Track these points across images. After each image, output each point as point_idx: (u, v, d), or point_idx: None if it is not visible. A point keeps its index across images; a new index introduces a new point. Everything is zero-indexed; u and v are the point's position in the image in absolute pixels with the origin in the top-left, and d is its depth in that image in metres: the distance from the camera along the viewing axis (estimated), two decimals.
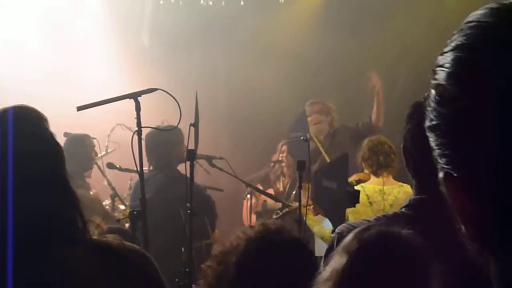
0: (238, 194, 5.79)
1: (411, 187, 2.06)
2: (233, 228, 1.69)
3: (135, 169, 3.31)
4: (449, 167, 0.66)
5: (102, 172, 5.16)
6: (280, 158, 5.85)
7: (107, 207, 5.07)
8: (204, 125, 3.99)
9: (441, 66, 0.66)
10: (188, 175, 3.53)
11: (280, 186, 5.90)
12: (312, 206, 4.28)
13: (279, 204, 4.88)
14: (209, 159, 4.53)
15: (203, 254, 4.04)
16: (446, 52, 0.67)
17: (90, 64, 6.84)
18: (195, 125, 3.71)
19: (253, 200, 5.43)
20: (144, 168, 3.41)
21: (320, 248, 4.29)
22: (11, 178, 1.40)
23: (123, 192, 5.38)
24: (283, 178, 5.91)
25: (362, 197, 3.93)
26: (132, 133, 3.35)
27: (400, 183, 4.25)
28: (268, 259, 1.55)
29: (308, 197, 4.02)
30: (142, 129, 3.32)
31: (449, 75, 0.65)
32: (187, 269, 3.55)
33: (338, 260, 1.49)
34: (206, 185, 4.90)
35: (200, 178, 4.67)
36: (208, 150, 4.69)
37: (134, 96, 3.29)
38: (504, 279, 0.64)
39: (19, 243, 1.38)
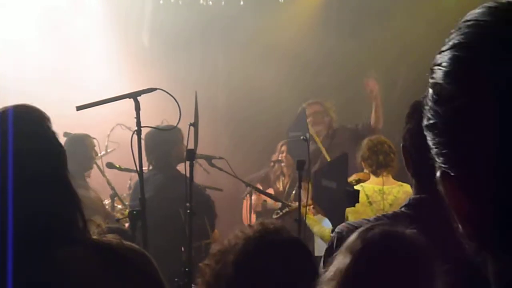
0: (237, 194, 5.79)
1: (411, 186, 2.06)
2: (233, 228, 1.68)
3: (135, 168, 3.30)
4: (446, 166, 0.66)
5: (102, 171, 5.16)
6: (279, 158, 5.85)
7: (107, 207, 5.08)
8: (204, 125, 3.99)
9: (439, 64, 0.66)
10: (188, 174, 3.53)
11: (280, 186, 5.90)
12: (312, 206, 4.28)
13: (279, 204, 4.88)
14: (208, 159, 4.53)
15: (202, 254, 4.04)
16: (444, 51, 0.67)
17: (90, 64, 6.84)
18: (195, 124, 3.71)
19: (253, 197, 5.42)
20: (143, 168, 3.41)
21: (319, 248, 4.30)
22: (12, 178, 1.40)
23: (122, 191, 5.38)
24: (283, 178, 5.91)
25: (362, 196, 3.93)
26: (131, 133, 3.35)
27: (400, 183, 4.25)
28: (266, 258, 1.55)
29: (307, 197, 4.02)
30: (142, 128, 3.32)
31: (447, 74, 0.65)
32: (186, 269, 3.55)
33: (341, 260, 1.49)
34: (206, 185, 4.90)
35: (199, 178, 4.67)
36: (208, 150, 4.69)
37: (134, 95, 3.29)
38: (502, 278, 0.64)
39: (19, 243, 1.38)
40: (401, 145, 1.97)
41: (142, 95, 3.32)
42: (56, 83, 6.33)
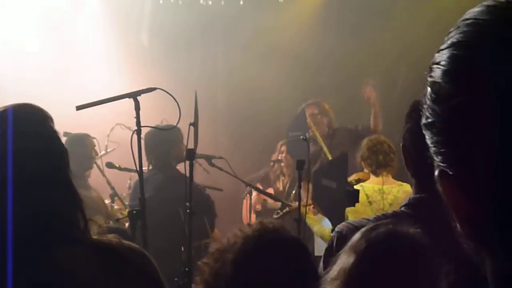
0: (237, 193, 5.79)
1: (411, 186, 2.06)
2: (233, 228, 1.68)
3: (135, 168, 3.30)
4: (444, 165, 0.66)
5: (102, 171, 5.16)
6: (279, 158, 5.85)
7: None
8: (204, 125, 3.98)
9: (437, 63, 0.66)
10: (188, 174, 3.52)
11: (280, 186, 5.90)
12: (312, 206, 4.28)
13: (279, 204, 4.88)
14: (208, 158, 4.53)
15: (202, 254, 4.04)
16: (442, 49, 0.66)
17: (90, 64, 6.84)
18: (195, 124, 3.71)
19: (253, 194, 5.42)
20: (143, 168, 3.41)
21: (319, 247, 4.30)
22: (14, 177, 1.40)
23: (122, 191, 5.38)
24: (283, 178, 5.91)
25: (362, 196, 3.93)
26: (131, 133, 3.35)
27: (400, 182, 4.25)
28: (265, 257, 1.55)
29: (307, 197, 4.02)
30: (142, 128, 3.32)
31: (445, 73, 0.65)
32: (186, 269, 3.55)
33: (345, 260, 1.49)
34: (206, 184, 4.90)
35: (199, 177, 4.67)
36: (208, 150, 4.69)
37: (134, 95, 3.29)
38: (500, 278, 0.64)
39: (19, 242, 1.38)
40: (401, 144, 1.97)
41: (142, 95, 3.32)
42: (56, 83, 6.33)
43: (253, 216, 5.48)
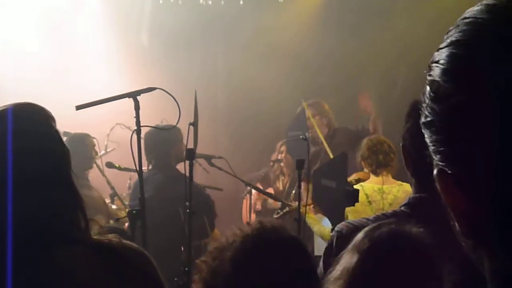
0: (237, 193, 5.79)
1: (411, 186, 2.06)
2: (233, 227, 1.68)
3: (134, 168, 3.30)
4: (443, 164, 0.66)
5: (102, 171, 5.16)
6: (279, 158, 5.85)
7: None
8: (204, 125, 3.98)
9: (437, 62, 0.66)
10: (187, 174, 3.52)
11: (280, 186, 5.91)
12: (312, 206, 4.28)
13: (279, 204, 4.88)
14: (208, 158, 4.53)
15: (202, 254, 4.03)
16: (441, 48, 0.66)
17: (90, 64, 6.84)
18: (194, 124, 3.70)
19: (253, 193, 5.42)
20: (143, 168, 3.41)
21: (319, 247, 4.30)
22: (15, 176, 1.40)
23: (122, 191, 5.38)
24: (283, 178, 5.91)
25: (361, 196, 3.92)
26: (131, 133, 3.34)
27: (400, 182, 4.25)
28: (264, 256, 1.55)
29: (307, 196, 4.02)
30: (141, 128, 3.32)
31: (444, 72, 0.65)
32: (186, 268, 3.55)
33: (348, 259, 1.49)
34: (206, 184, 4.90)
35: (199, 177, 4.67)
36: (208, 150, 4.69)
37: (133, 95, 3.29)
38: (498, 276, 0.64)
39: (19, 242, 1.38)
40: (401, 144, 1.97)
41: (142, 95, 3.32)
42: (56, 83, 6.33)
43: (253, 216, 5.48)
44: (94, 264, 1.44)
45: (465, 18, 0.66)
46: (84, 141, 4.90)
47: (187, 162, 3.53)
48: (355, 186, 3.88)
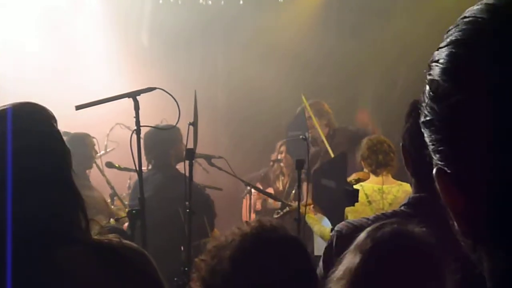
0: (237, 193, 5.80)
1: (410, 185, 2.06)
2: (232, 227, 1.68)
3: (134, 168, 3.30)
4: (443, 163, 0.66)
5: (101, 171, 5.16)
6: (278, 158, 5.85)
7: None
8: (204, 125, 3.98)
9: (436, 61, 0.66)
10: (187, 174, 3.52)
11: (279, 185, 5.91)
12: (312, 206, 4.28)
13: (279, 204, 4.88)
14: (208, 158, 4.53)
15: (202, 253, 4.03)
16: (441, 48, 0.66)
17: (90, 64, 6.84)
18: (194, 124, 3.70)
19: (253, 193, 5.42)
20: (143, 167, 3.41)
21: (319, 247, 4.30)
22: (15, 176, 1.40)
23: (122, 191, 5.38)
24: (283, 178, 5.91)
25: (361, 196, 3.92)
26: (131, 132, 3.34)
27: (399, 182, 4.25)
28: (263, 255, 1.54)
29: (307, 196, 4.02)
30: (141, 128, 3.32)
31: (444, 71, 0.65)
32: (186, 268, 3.54)
33: (351, 259, 1.49)
34: (205, 184, 4.90)
35: (199, 177, 4.67)
36: (208, 150, 4.69)
37: (133, 95, 3.29)
38: (497, 276, 0.64)
39: (19, 243, 1.38)
40: (401, 144, 1.97)
41: (142, 95, 3.32)
42: (56, 83, 6.33)
43: (253, 215, 5.48)
44: (94, 264, 1.44)
45: (465, 17, 0.66)
46: (84, 141, 4.90)
47: (187, 162, 3.53)
48: (355, 186, 3.88)
